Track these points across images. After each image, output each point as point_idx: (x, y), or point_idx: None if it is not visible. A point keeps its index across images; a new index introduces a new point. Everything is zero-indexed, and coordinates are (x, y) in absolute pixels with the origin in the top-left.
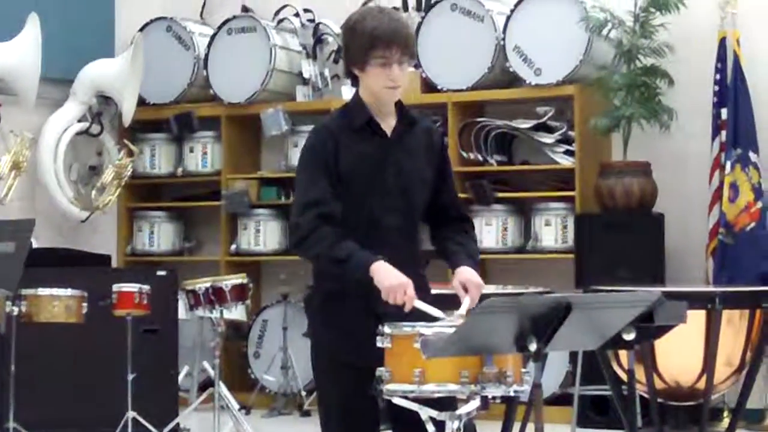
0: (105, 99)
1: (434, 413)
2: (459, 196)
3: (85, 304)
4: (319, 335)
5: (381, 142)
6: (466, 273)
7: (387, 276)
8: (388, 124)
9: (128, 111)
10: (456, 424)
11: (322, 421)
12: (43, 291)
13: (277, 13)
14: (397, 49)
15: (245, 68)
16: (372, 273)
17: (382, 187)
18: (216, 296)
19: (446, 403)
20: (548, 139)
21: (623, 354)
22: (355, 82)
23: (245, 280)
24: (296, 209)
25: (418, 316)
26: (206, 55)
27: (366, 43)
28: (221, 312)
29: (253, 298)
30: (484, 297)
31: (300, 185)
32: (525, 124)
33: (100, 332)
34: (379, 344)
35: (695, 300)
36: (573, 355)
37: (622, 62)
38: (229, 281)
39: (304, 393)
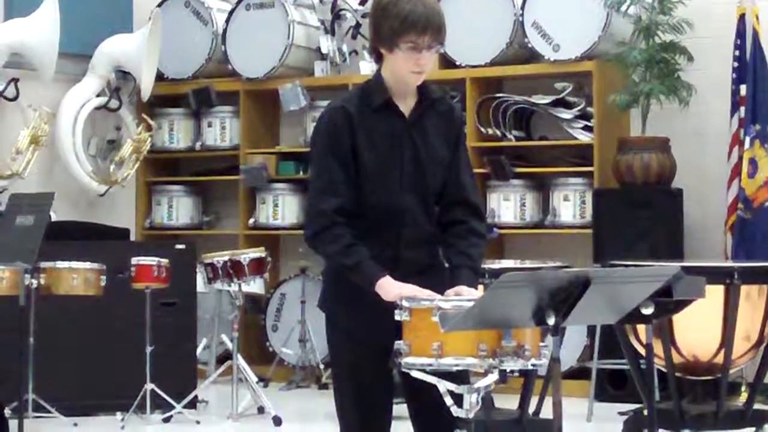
0: (123, 74)
1: (453, 386)
2: (473, 181)
3: (103, 277)
4: (332, 308)
5: (399, 122)
6: (462, 291)
7: (389, 293)
8: (407, 104)
9: (147, 86)
10: (474, 397)
11: (335, 394)
12: (62, 264)
13: None
14: (430, 36)
15: (263, 43)
16: (377, 289)
17: (399, 167)
18: (234, 269)
19: (465, 377)
20: (567, 114)
21: (641, 328)
22: (379, 59)
23: (263, 254)
24: (311, 193)
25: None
26: (224, 31)
27: (398, 26)
28: (240, 285)
29: (272, 271)
30: (503, 271)
31: (314, 167)
32: (543, 100)
33: (119, 305)
34: (397, 317)
35: (714, 275)
36: (591, 329)
37: (641, 38)
38: (248, 255)
39: (322, 366)
